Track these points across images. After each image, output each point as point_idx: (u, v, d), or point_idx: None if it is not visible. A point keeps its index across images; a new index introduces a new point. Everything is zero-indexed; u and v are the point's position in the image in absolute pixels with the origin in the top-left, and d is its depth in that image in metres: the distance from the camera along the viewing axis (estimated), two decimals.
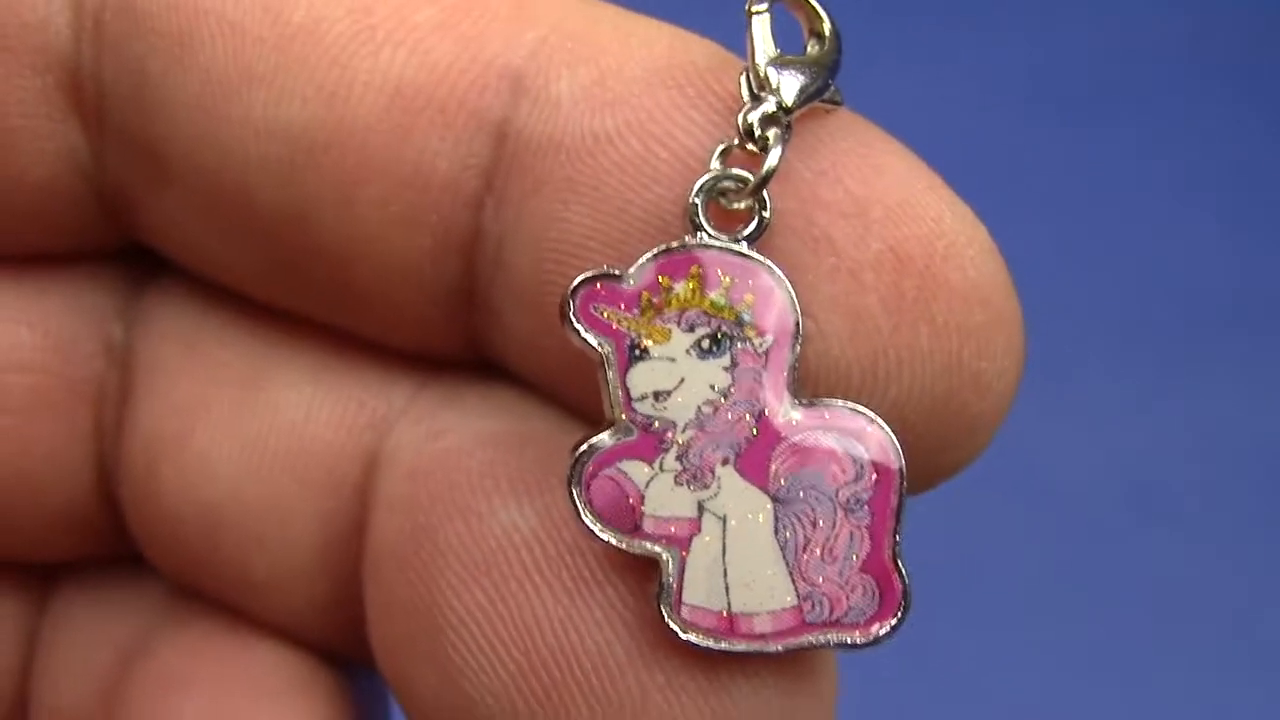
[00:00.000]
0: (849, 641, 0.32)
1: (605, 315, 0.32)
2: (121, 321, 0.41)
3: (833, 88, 0.34)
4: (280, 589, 0.39)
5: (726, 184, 0.33)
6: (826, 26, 0.34)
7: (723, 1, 0.39)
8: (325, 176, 0.35)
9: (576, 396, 0.36)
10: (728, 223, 0.33)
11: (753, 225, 0.33)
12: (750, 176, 0.33)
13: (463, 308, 0.36)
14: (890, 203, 0.33)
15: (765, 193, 0.33)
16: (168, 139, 0.36)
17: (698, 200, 0.33)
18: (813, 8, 0.34)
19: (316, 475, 0.38)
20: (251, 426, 0.38)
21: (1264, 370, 0.94)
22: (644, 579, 0.33)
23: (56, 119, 0.37)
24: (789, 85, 0.33)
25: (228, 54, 0.35)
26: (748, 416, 0.32)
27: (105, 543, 0.42)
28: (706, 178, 0.33)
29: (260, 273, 0.38)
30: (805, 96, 0.33)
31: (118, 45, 0.36)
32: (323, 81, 0.34)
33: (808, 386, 0.33)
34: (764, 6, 0.34)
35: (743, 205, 0.33)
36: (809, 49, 0.34)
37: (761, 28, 0.34)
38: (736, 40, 0.36)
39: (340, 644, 0.40)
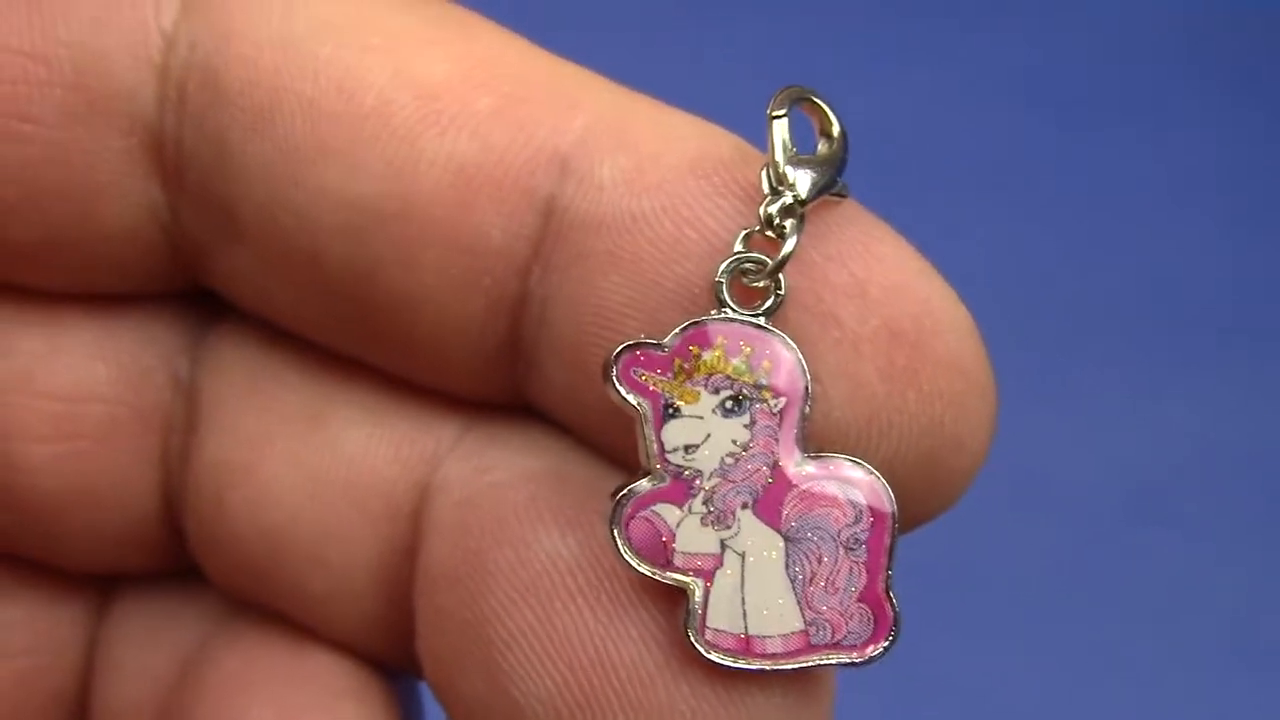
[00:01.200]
0: (848, 661, 0.37)
1: (643, 378, 0.37)
2: (188, 357, 0.45)
3: (840, 183, 0.39)
4: (337, 605, 0.43)
5: (748, 265, 0.38)
6: (836, 129, 0.39)
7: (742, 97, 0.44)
8: (391, 242, 0.39)
9: (607, 441, 0.40)
10: (748, 298, 0.38)
11: (769, 302, 0.38)
12: (768, 260, 0.38)
13: (509, 361, 0.41)
14: (887, 284, 0.38)
15: (781, 274, 0.38)
16: (243, 201, 0.39)
17: (723, 280, 0.38)
18: (824, 112, 0.39)
19: (374, 504, 0.42)
20: (314, 459, 0.42)
21: (1264, 370, 0.95)
22: (671, 605, 0.38)
23: (139, 176, 0.40)
24: (803, 181, 0.38)
25: (305, 129, 0.39)
26: (764, 467, 0.37)
27: (164, 560, 0.46)
28: (730, 260, 0.38)
29: (324, 322, 0.42)
30: (817, 190, 0.38)
31: (200, 115, 0.39)
32: (392, 158, 0.38)
33: (814, 440, 0.38)
34: (783, 112, 0.39)
35: (761, 284, 0.38)
36: (820, 147, 0.40)
37: (780, 130, 0.39)
38: (748, 127, 0.41)
39: (388, 655, 0.44)
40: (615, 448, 0.40)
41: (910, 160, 0.88)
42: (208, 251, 0.42)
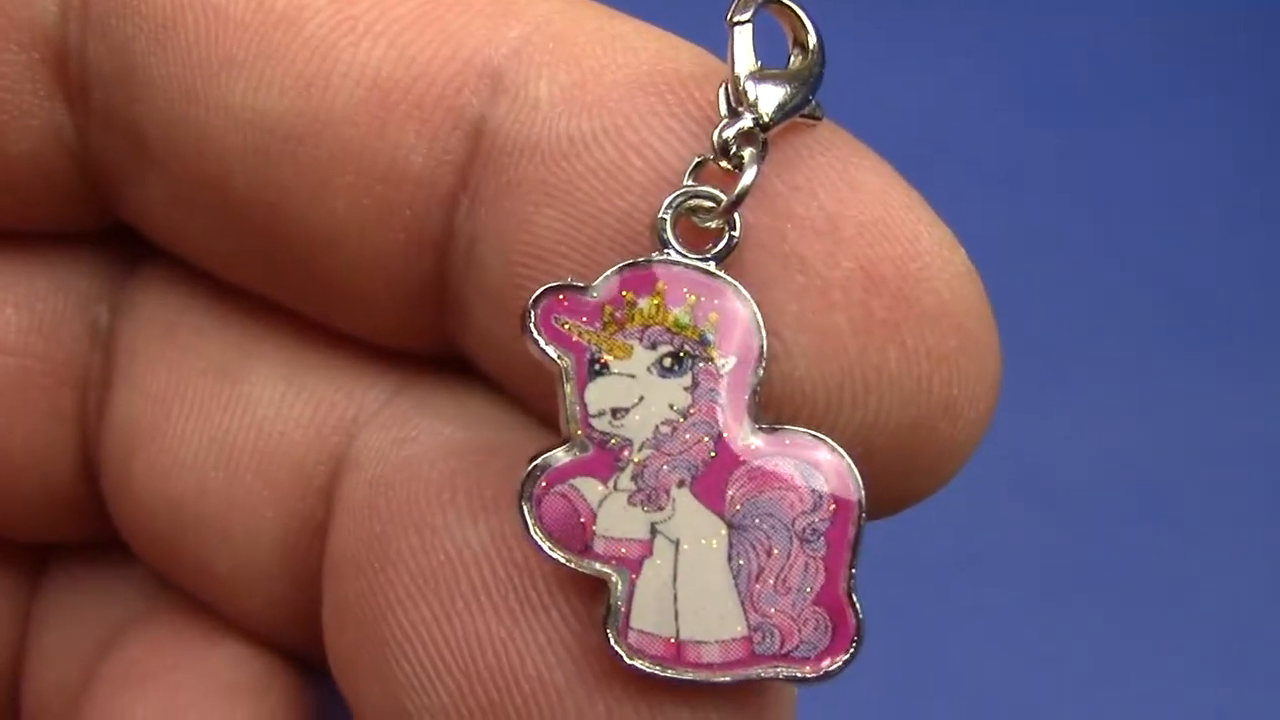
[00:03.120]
0: (799, 675, 0.31)
1: (566, 327, 0.31)
2: (107, 304, 0.41)
3: (814, 102, 0.33)
4: (243, 586, 0.39)
5: (698, 202, 0.32)
6: (811, 38, 0.33)
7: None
8: (299, 167, 0.34)
9: (544, 402, 0.35)
10: (697, 239, 0.32)
11: (721, 244, 0.32)
12: (722, 196, 0.32)
13: (435, 304, 0.36)
14: (864, 220, 0.32)
15: (737, 213, 0.32)
16: (149, 121, 0.35)
17: (666, 216, 0.32)
18: (798, 17, 0.33)
19: (283, 474, 0.38)
20: (222, 420, 0.38)
21: (1264, 370, 0.93)
22: (592, 603, 0.32)
23: (42, 95, 0.36)
24: (768, 100, 0.32)
25: (209, 38, 0.34)
26: (706, 438, 0.31)
27: (91, 525, 0.42)
28: (676, 195, 0.32)
29: (235, 257, 0.37)
30: (784, 112, 0.32)
31: (104, 25, 0.35)
32: (301, 71, 0.34)
33: (771, 407, 0.32)
34: (746, 17, 0.33)
35: (714, 224, 0.32)
36: (792, 60, 0.34)
37: (743, 39, 0.33)
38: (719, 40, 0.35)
39: (303, 646, 0.40)
40: (552, 410, 0.34)
41: (909, 159, 0.84)
42: (118, 180, 0.38)
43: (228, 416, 0.38)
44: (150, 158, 0.36)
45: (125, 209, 0.39)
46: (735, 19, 0.33)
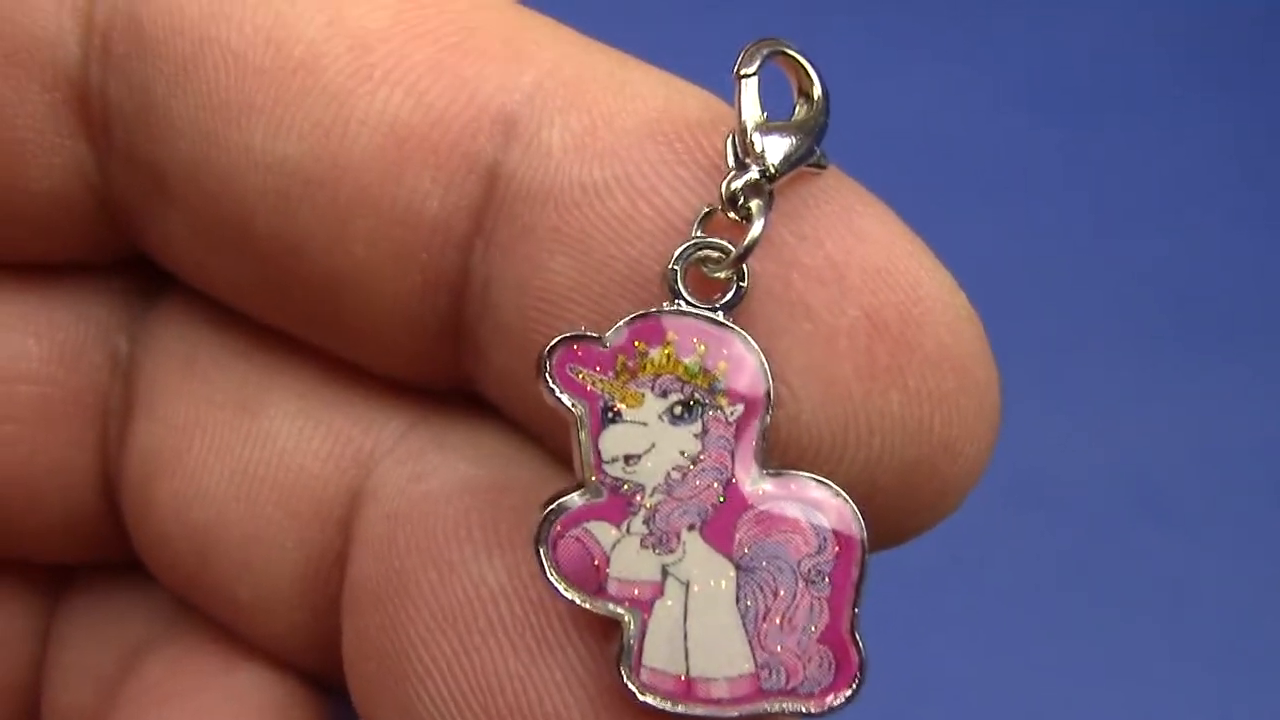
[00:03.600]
0: (803, 711, 0.33)
1: (580, 376, 0.33)
2: (127, 334, 0.41)
3: (819, 152, 0.34)
4: (264, 613, 0.40)
5: (707, 253, 0.33)
6: (817, 90, 0.34)
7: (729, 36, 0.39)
8: (319, 210, 0.35)
9: (556, 437, 0.36)
10: (706, 288, 0.33)
11: (730, 294, 0.33)
12: (730, 247, 0.33)
13: (451, 344, 0.37)
14: (868, 268, 0.33)
15: (745, 264, 0.33)
16: (170, 160, 0.36)
17: (677, 268, 0.33)
18: (804, 69, 0.34)
19: (302, 506, 0.39)
20: (243, 452, 0.39)
21: (1264, 370, 0.94)
22: (605, 641, 0.33)
23: (64, 134, 0.37)
24: (774, 151, 0.33)
25: (229, 83, 0.35)
26: (715, 484, 0.32)
27: (111, 548, 0.43)
28: (686, 246, 0.33)
29: (256, 293, 0.38)
30: (790, 164, 0.33)
31: (124, 66, 0.36)
32: (320, 117, 0.35)
33: (777, 449, 0.33)
34: (753, 70, 0.34)
35: (722, 275, 0.33)
36: (797, 110, 0.35)
37: (749, 92, 0.34)
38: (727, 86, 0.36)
39: (323, 671, 0.41)
40: (565, 448, 0.35)
41: (908, 158, 0.86)
42: (140, 216, 0.38)
43: (248, 449, 0.39)
44: (171, 196, 0.37)
45: (146, 242, 0.39)
46: (742, 72, 0.34)
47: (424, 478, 0.37)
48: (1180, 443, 0.91)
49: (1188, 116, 0.99)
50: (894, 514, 0.34)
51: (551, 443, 0.36)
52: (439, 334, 0.37)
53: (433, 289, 0.36)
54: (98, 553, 0.43)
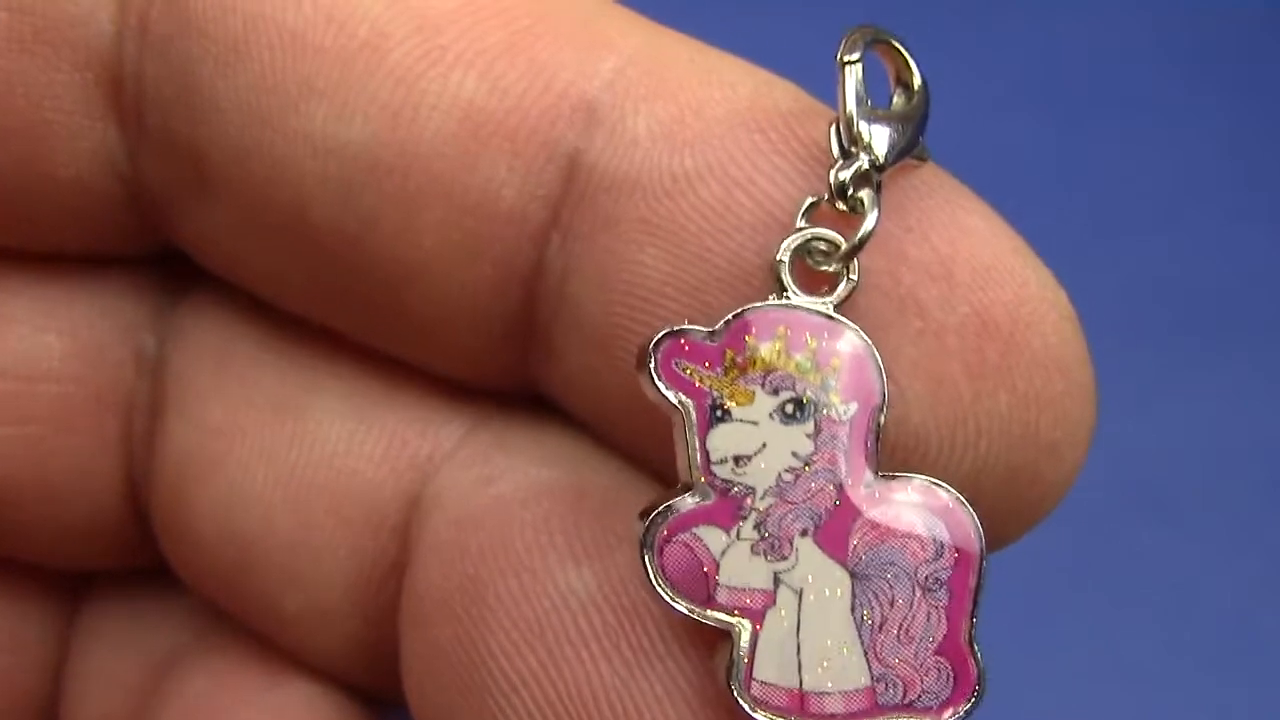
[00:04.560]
0: None
1: (688, 372, 0.31)
2: (153, 331, 0.39)
3: (921, 143, 0.33)
4: (311, 626, 0.38)
5: (816, 244, 0.31)
6: (916, 78, 0.33)
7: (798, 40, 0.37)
8: (385, 198, 0.33)
9: (636, 441, 0.34)
10: (812, 283, 0.32)
11: (840, 289, 0.32)
12: (840, 240, 0.31)
13: (520, 342, 0.35)
14: (976, 265, 0.32)
15: (856, 257, 0.31)
16: (214, 146, 0.34)
17: (785, 259, 0.31)
18: (903, 57, 0.33)
19: (355, 513, 0.37)
20: (288, 456, 0.37)
21: (1264, 370, 0.93)
22: (707, 652, 0.31)
23: (94, 116, 0.35)
24: (880, 141, 0.32)
25: (286, 64, 0.33)
26: (830, 486, 0.31)
27: (135, 554, 0.41)
28: (796, 238, 0.31)
29: (306, 290, 0.36)
30: (897, 153, 0.32)
31: (164, 46, 0.34)
32: (387, 101, 0.33)
33: (884, 451, 0.32)
34: (856, 56, 0.32)
35: (832, 268, 0.31)
36: (895, 101, 0.33)
37: (853, 78, 0.32)
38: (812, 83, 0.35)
39: (372, 685, 0.39)
40: (645, 452, 0.34)
41: None
42: (173, 207, 0.36)
43: (294, 452, 0.37)
44: (212, 184, 0.35)
45: (179, 235, 0.37)
46: (846, 59, 0.32)
47: (493, 481, 0.35)
48: (1180, 443, 0.91)
49: (1188, 116, 0.99)
50: (992, 521, 0.33)
51: (629, 447, 0.35)
52: (508, 332, 0.35)
53: (504, 283, 0.34)
54: (121, 558, 0.41)
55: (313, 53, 0.33)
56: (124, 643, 0.42)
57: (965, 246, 0.32)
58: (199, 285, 0.39)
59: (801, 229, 0.32)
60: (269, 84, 0.33)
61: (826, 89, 0.33)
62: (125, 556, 0.41)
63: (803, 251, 0.32)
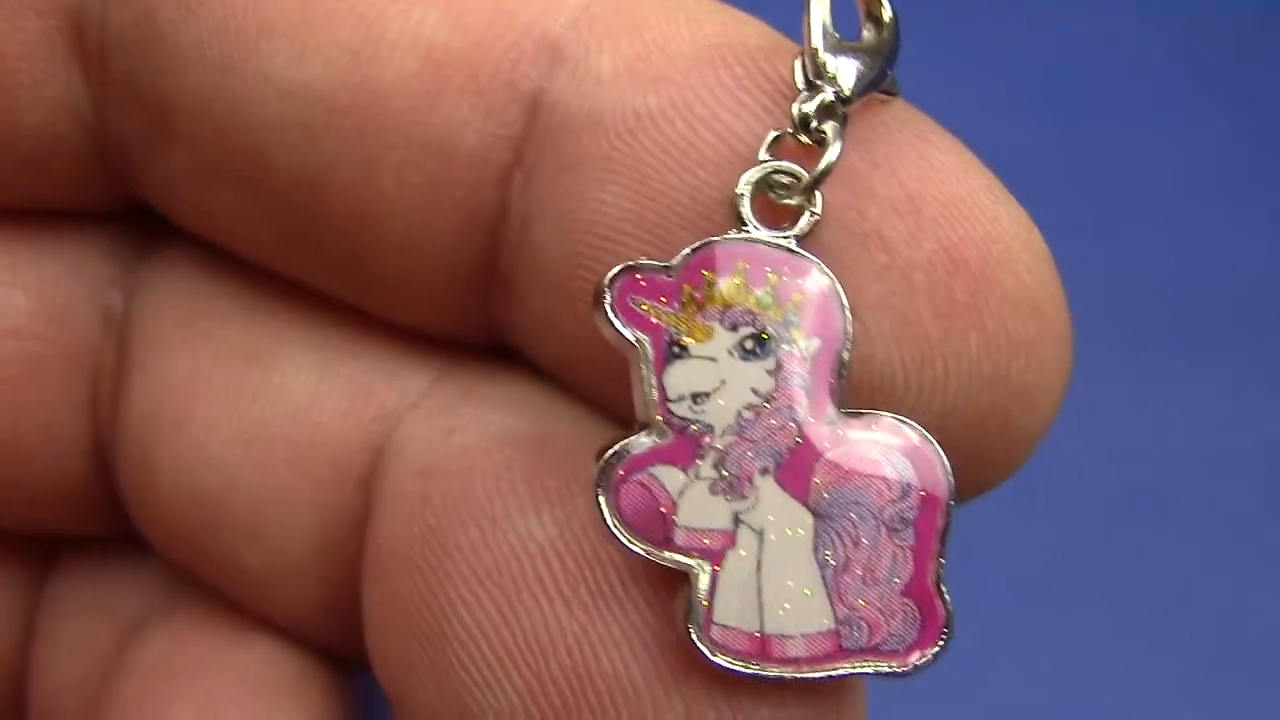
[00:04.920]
0: (886, 670, 0.30)
1: (644, 308, 0.30)
2: (120, 288, 0.39)
3: (890, 77, 0.32)
4: (274, 583, 0.37)
5: (778, 177, 0.31)
6: (886, 12, 0.32)
7: None
8: (345, 141, 0.33)
9: (600, 388, 0.34)
10: (774, 217, 0.31)
11: (803, 222, 0.31)
12: (803, 172, 0.31)
13: (484, 288, 0.34)
14: (945, 200, 0.31)
15: (818, 190, 0.31)
16: (176, 92, 0.34)
17: (744, 192, 0.30)
18: None
19: (318, 466, 0.36)
20: (252, 410, 0.36)
21: (1264, 370, 0.92)
22: (667, 596, 0.31)
23: (57, 64, 0.34)
24: (847, 74, 0.31)
25: (246, 5, 0.32)
26: (791, 424, 0.30)
27: (103, 518, 0.40)
28: (757, 171, 0.30)
29: (270, 238, 0.35)
30: (864, 86, 0.31)
31: None
32: (348, 40, 0.32)
33: (849, 391, 0.31)
34: None
35: (794, 201, 0.31)
36: (865, 35, 0.32)
37: (819, 10, 0.31)
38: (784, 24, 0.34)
39: (336, 643, 0.38)
40: (610, 399, 0.33)
41: None
42: (138, 156, 0.36)
43: (258, 406, 0.36)
44: (176, 131, 0.34)
45: (144, 186, 0.37)
46: None
47: (457, 431, 0.34)
48: (1179, 443, 0.90)
49: (1187, 117, 0.99)
50: (962, 468, 0.31)
51: (592, 392, 0.34)
52: (471, 277, 0.34)
53: (468, 227, 0.33)
54: (89, 523, 0.41)
55: None
56: (92, 609, 0.42)
57: (934, 182, 0.31)
58: (166, 241, 0.38)
59: (763, 161, 0.31)
60: (229, 26, 0.33)
61: (800, 29, 0.32)
62: (93, 521, 0.41)
63: (764, 185, 0.31)
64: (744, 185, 0.30)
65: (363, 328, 0.36)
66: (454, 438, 0.34)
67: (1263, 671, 0.84)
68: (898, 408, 0.31)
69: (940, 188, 0.31)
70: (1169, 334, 0.93)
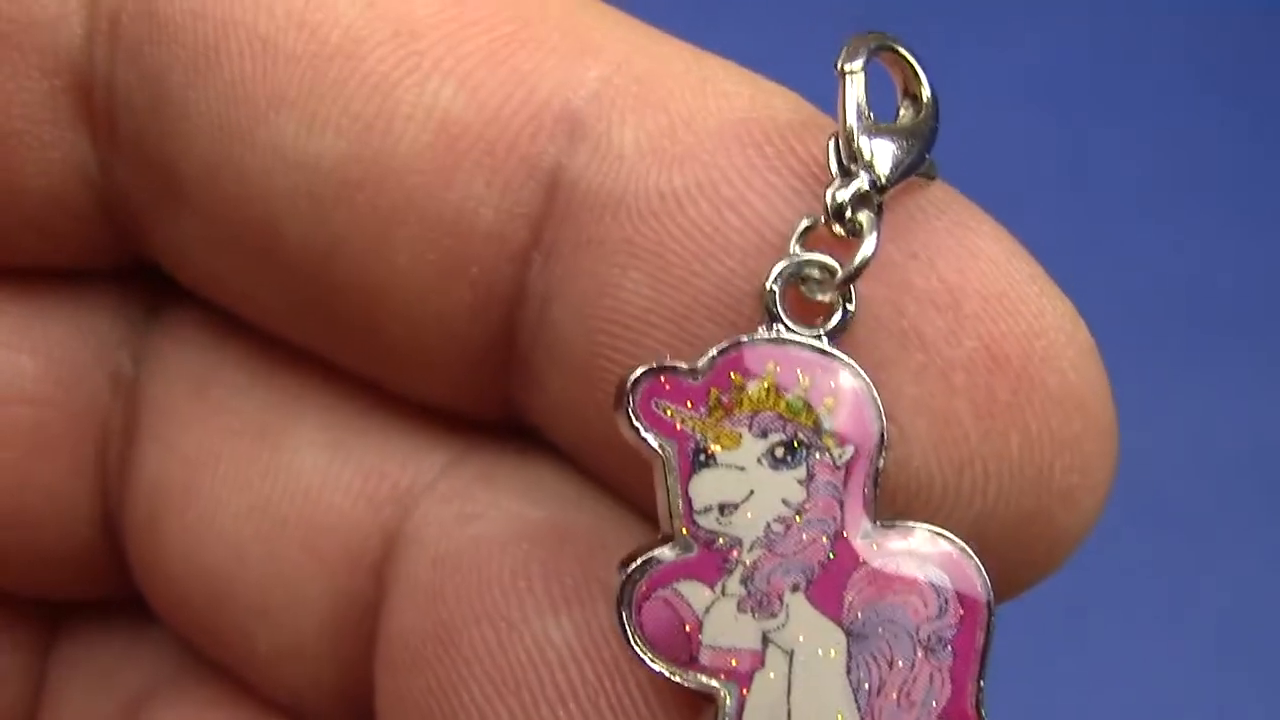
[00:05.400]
0: None
1: (669, 414, 0.28)
2: (129, 349, 0.38)
3: (929, 160, 0.30)
4: (284, 663, 0.36)
5: (810, 272, 0.29)
6: (925, 91, 0.30)
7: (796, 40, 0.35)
8: (357, 215, 0.31)
9: (621, 476, 0.32)
10: (806, 312, 0.29)
11: (836, 319, 0.29)
12: (837, 265, 0.29)
13: (501, 366, 0.33)
14: (987, 294, 0.29)
15: (853, 285, 0.29)
16: (185, 158, 0.32)
17: (775, 288, 0.29)
18: (912, 68, 0.31)
19: (330, 548, 0.35)
20: (262, 487, 0.35)
21: (1264, 370, 0.93)
22: (690, 714, 0.29)
23: (63, 125, 0.34)
24: (883, 158, 0.29)
25: (256, 72, 0.31)
26: (823, 538, 0.28)
27: (110, 583, 0.39)
28: (788, 264, 0.29)
29: (280, 307, 0.34)
30: (901, 172, 0.30)
31: (135, 52, 0.32)
32: (360, 111, 0.31)
33: (884, 496, 0.29)
34: (858, 66, 0.30)
35: (827, 297, 0.29)
36: (901, 114, 0.31)
37: (854, 90, 0.30)
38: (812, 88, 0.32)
39: None
40: (632, 488, 0.32)
41: None
42: (146, 218, 0.35)
43: (268, 483, 0.35)
44: (184, 196, 0.33)
45: (153, 247, 0.35)
46: (847, 68, 0.30)
47: (474, 519, 0.33)
48: (1179, 442, 0.90)
49: (1187, 117, 0.98)
50: (1001, 570, 0.30)
51: (615, 481, 0.32)
52: (488, 356, 0.33)
53: (483, 306, 0.32)
54: (96, 589, 0.40)
55: (284, 60, 0.31)
56: (99, 677, 0.41)
57: (975, 274, 0.29)
58: (175, 301, 0.37)
59: (794, 254, 0.29)
60: (239, 94, 0.31)
61: (833, 99, 0.31)
62: (100, 586, 0.39)
63: (796, 279, 0.29)
64: (775, 279, 0.29)
65: (377, 403, 0.35)
66: (470, 526, 0.33)
67: (1263, 671, 0.84)
68: (936, 513, 0.29)
69: (981, 280, 0.29)
70: (1169, 334, 0.93)
